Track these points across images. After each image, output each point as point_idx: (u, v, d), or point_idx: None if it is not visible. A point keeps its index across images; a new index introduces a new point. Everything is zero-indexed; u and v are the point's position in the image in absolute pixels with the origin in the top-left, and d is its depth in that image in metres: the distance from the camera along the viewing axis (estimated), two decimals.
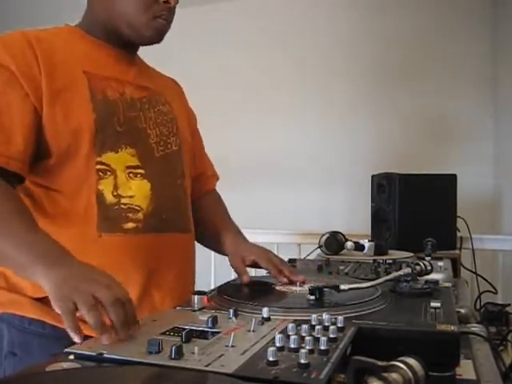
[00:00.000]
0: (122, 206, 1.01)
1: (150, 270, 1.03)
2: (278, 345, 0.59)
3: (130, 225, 1.01)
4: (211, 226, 1.28)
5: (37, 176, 0.99)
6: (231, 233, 1.25)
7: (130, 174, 1.03)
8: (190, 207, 1.19)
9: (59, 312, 0.70)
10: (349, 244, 1.56)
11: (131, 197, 1.02)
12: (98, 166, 0.99)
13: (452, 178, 2.03)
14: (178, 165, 1.14)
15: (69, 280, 0.74)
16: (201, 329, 0.68)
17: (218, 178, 1.39)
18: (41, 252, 0.81)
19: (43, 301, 0.95)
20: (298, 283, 0.99)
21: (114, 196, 1.00)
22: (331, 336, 0.62)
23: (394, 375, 0.53)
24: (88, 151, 0.98)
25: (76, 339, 0.67)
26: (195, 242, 1.20)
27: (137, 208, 1.02)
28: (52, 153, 0.97)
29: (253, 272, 2.11)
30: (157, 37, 1.08)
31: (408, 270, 0.96)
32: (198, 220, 1.27)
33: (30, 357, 0.95)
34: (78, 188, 0.99)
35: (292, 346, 0.59)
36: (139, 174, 1.04)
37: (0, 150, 0.91)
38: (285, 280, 1.02)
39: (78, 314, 0.70)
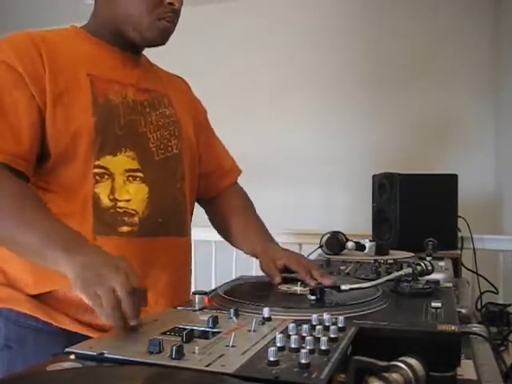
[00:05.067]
0: (118, 210, 1.01)
1: (143, 273, 1.03)
2: (278, 345, 0.59)
3: (125, 228, 1.02)
4: (233, 228, 1.26)
5: (35, 177, 0.99)
6: (257, 235, 1.23)
7: (129, 178, 1.03)
8: (189, 210, 1.19)
9: (86, 300, 0.72)
10: (350, 244, 1.56)
11: (127, 201, 1.02)
12: (96, 170, 1.00)
13: (453, 178, 2.03)
14: (178, 168, 1.13)
15: (90, 266, 0.76)
16: (201, 329, 0.68)
17: (239, 173, 1.36)
18: (61, 240, 0.83)
19: (39, 297, 0.98)
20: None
21: (110, 199, 1.01)
22: (332, 336, 0.62)
23: (395, 375, 0.53)
24: (86, 155, 0.99)
25: (132, 323, 0.70)
26: (192, 245, 1.20)
27: (132, 212, 1.03)
28: (50, 154, 0.97)
29: (253, 271, 2.11)
30: (161, 39, 1.08)
31: (409, 270, 0.96)
32: (219, 221, 1.29)
33: (25, 350, 0.98)
34: (75, 190, 0.99)
35: (293, 345, 0.59)
36: (138, 177, 1.04)
37: (8, 148, 0.92)
38: (313, 284, 0.99)
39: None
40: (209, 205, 1.30)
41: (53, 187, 1.00)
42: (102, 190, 1.00)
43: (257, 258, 1.19)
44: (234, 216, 1.28)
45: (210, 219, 1.33)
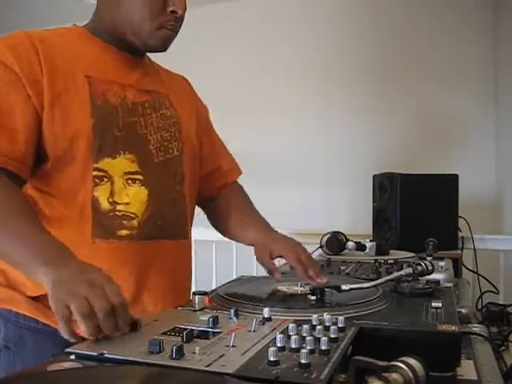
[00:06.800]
0: (117, 213, 1.00)
1: (142, 276, 1.03)
2: (278, 345, 0.59)
3: (124, 232, 1.01)
4: (231, 219, 1.25)
5: (34, 179, 0.99)
6: (255, 223, 1.22)
7: (129, 181, 1.02)
8: (190, 213, 1.18)
9: (55, 314, 0.71)
10: (350, 244, 1.56)
11: (127, 204, 1.01)
12: (95, 173, 0.99)
13: (454, 178, 2.03)
14: (177, 170, 1.12)
15: (66, 282, 0.74)
16: (202, 329, 0.68)
17: (239, 173, 1.34)
18: (40, 251, 0.81)
19: (38, 299, 0.97)
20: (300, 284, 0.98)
21: (109, 203, 1.00)
22: (332, 336, 0.62)
23: (395, 375, 0.53)
24: (85, 157, 0.98)
25: (72, 340, 0.69)
26: (192, 246, 1.19)
27: (132, 215, 1.02)
28: (48, 157, 0.97)
29: (254, 271, 2.11)
30: (161, 46, 1.07)
31: (409, 270, 0.96)
32: (217, 216, 1.28)
33: (24, 351, 0.97)
34: (74, 193, 0.98)
35: (293, 346, 0.59)
36: (138, 180, 1.03)
37: (1, 150, 0.91)
38: (306, 280, 0.99)
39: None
40: (207, 205, 1.29)
41: (51, 190, 0.99)
42: (102, 193, 0.99)
43: (250, 245, 1.17)
44: (233, 211, 1.26)
45: (209, 218, 1.32)
